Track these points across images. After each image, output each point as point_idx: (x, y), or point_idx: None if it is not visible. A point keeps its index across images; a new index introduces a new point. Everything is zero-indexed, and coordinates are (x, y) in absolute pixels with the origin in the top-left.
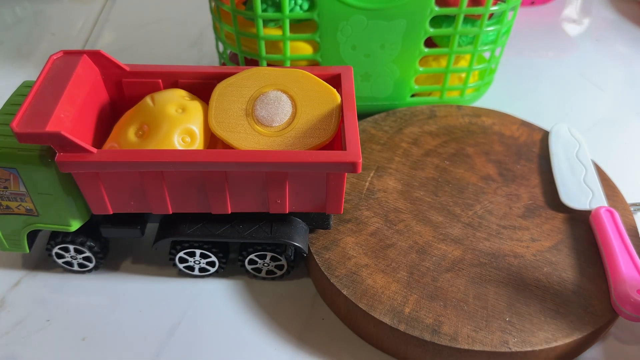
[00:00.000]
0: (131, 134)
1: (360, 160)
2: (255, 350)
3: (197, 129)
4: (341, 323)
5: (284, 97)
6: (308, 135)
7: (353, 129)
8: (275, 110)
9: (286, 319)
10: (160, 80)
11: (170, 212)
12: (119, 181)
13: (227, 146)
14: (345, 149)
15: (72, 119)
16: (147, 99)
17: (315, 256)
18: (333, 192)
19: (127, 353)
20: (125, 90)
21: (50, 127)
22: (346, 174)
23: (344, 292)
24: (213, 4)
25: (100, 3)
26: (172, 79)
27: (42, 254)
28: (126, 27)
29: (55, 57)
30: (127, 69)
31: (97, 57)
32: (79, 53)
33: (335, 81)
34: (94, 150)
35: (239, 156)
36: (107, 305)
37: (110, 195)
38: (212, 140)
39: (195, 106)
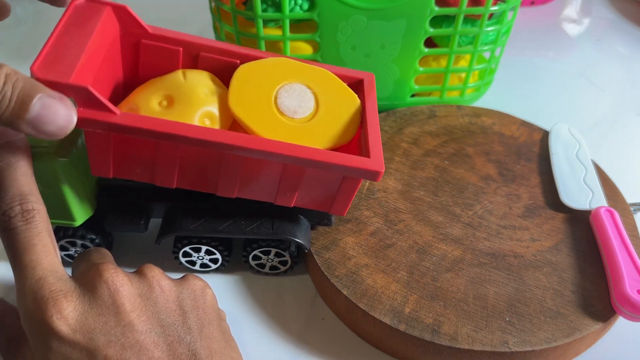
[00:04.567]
0: (154, 102)
1: (383, 169)
2: (254, 349)
3: (219, 114)
4: (341, 323)
5: (309, 92)
6: (327, 133)
7: (376, 136)
8: (299, 102)
9: (286, 319)
10: (181, 49)
11: (174, 186)
12: (132, 146)
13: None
14: (367, 156)
15: (93, 73)
16: (179, 73)
17: (315, 256)
18: (344, 194)
19: None
20: (142, 53)
21: (75, 80)
22: (361, 180)
23: (344, 292)
24: (213, 4)
25: None
26: (194, 51)
27: None
28: None
29: (77, 3)
30: (150, 30)
31: (121, 12)
32: (104, 4)
33: (357, 86)
34: (118, 111)
35: (270, 145)
36: None
37: (116, 159)
38: (232, 128)
39: (223, 93)
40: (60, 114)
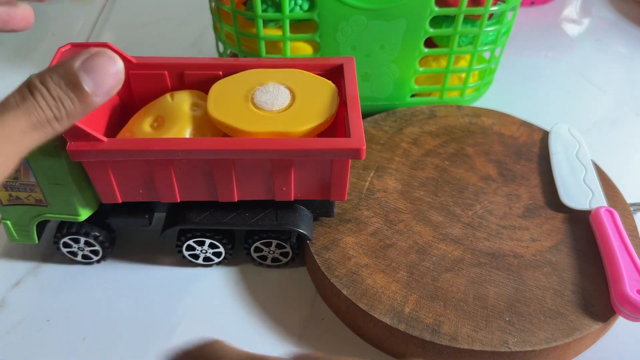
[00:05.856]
0: (146, 125)
1: (364, 146)
2: (255, 350)
3: (209, 129)
4: (341, 323)
5: (282, 88)
6: (308, 115)
7: (356, 116)
8: (274, 97)
9: (286, 319)
10: (166, 72)
11: (178, 200)
12: (129, 169)
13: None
14: (349, 137)
15: None
16: (167, 96)
17: (315, 256)
18: (337, 178)
19: (127, 353)
20: (132, 83)
21: None
22: (350, 161)
23: (344, 292)
24: (213, 4)
25: (100, 3)
26: (178, 71)
27: (43, 253)
28: (126, 27)
29: (63, 50)
30: (134, 61)
31: None
32: (86, 46)
33: (337, 71)
34: (105, 139)
35: (245, 144)
36: (107, 306)
37: (119, 184)
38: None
39: None
40: (105, 63)
